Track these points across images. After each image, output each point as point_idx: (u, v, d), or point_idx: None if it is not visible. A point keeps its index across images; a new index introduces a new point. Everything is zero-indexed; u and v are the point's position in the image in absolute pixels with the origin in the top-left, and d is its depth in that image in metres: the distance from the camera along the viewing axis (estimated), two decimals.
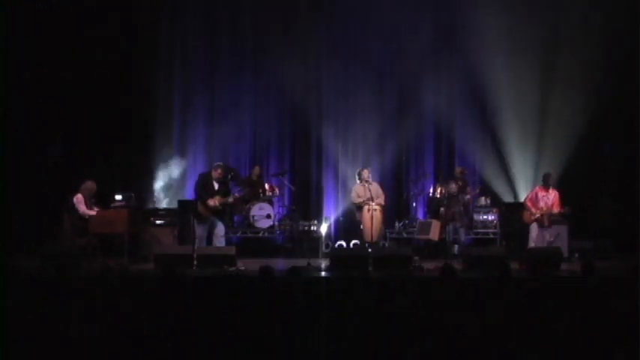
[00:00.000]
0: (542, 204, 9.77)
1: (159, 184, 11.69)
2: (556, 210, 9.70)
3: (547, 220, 9.73)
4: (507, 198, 11.53)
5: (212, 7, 11.88)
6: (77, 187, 9.53)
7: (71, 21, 11.12)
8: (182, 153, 11.89)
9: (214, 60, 11.94)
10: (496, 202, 11.21)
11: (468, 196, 10.35)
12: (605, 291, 5.35)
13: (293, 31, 11.75)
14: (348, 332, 4.73)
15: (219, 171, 9.62)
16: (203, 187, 9.53)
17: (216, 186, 9.56)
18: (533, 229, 9.76)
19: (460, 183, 10.52)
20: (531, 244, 9.68)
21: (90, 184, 9.53)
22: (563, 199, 9.79)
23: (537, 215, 9.73)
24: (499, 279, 5.71)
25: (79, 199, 9.42)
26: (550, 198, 9.79)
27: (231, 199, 9.62)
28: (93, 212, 9.47)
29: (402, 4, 11.83)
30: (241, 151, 12.26)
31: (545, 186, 9.89)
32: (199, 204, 9.49)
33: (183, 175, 11.75)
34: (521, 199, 11.04)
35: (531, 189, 10.43)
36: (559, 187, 10.02)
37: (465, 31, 11.59)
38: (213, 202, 9.43)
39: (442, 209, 10.16)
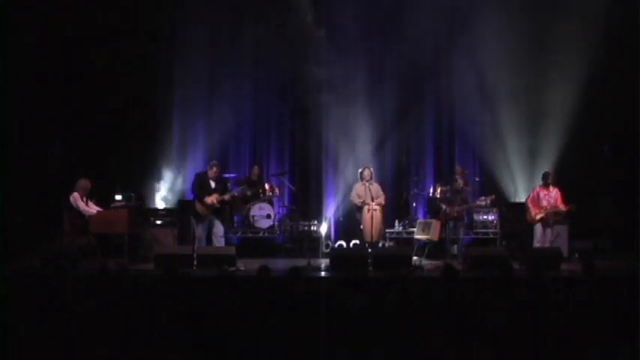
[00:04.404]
0: (545, 203, 9.72)
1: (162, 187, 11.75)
2: (562, 207, 9.65)
3: (552, 220, 9.70)
4: (507, 198, 11.52)
5: (212, 7, 11.87)
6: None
7: (71, 21, 11.12)
8: (182, 153, 11.90)
9: (214, 59, 11.92)
10: (496, 200, 11.19)
11: (477, 202, 10.27)
12: (605, 291, 5.34)
13: (293, 31, 11.74)
14: (347, 332, 4.72)
15: (214, 169, 9.65)
16: (200, 185, 9.55)
17: (212, 184, 9.59)
18: (538, 229, 9.71)
19: (461, 182, 10.50)
20: (536, 244, 9.66)
21: (83, 182, 9.53)
22: (564, 199, 9.77)
23: (542, 215, 9.69)
24: (502, 279, 5.70)
25: (75, 198, 9.42)
26: (552, 196, 9.76)
27: (227, 196, 9.62)
28: (93, 210, 9.48)
29: (402, 4, 11.83)
30: (241, 151, 12.27)
31: (545, 185, 9.85)
32: (197, 203, 9.51)
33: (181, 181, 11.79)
34: (522, 199, 11.04)
35: (531, 189, 10.41)
36: (559, 187, 10.00)
37: (466, 31, 11.58)
38: (211, 199, 9.45)
39: (444, 206, 10.12)
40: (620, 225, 10.53)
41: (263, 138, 12.29)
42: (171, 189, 11.80)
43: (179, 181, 11.81)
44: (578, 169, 11.10)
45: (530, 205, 9.82)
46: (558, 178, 10.32)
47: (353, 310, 4.91)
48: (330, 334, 4.71)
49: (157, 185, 11.73)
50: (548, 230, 9.72)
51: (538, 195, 9.81)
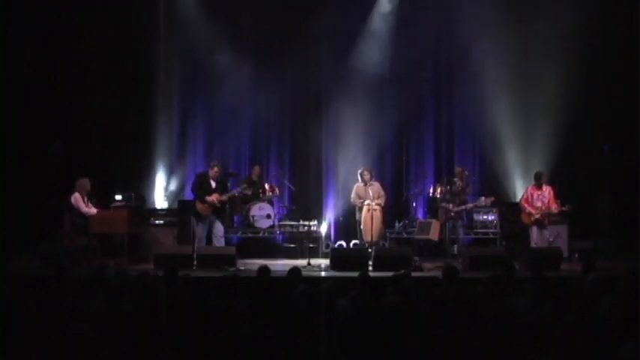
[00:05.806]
0: (539, 203, 9.70)
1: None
2: (556, 209, 9.64)
3: (547, 220, 9.69)
4: (507, 198, 11.51)
5: (213, 7, 11.87)
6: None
7: (72, 21, 11.13)
8: (182, 153, 11.90)
9: (214, 59, 11.92)
10: (496, 202, 11.18)
11: (471, 205, 10.26)
12: (605, 291, 5.34)
13: (293, 31, 11.74)
14: (347, 332, 4.72)
15: (215, 169, 9.69)
16: (200, 185, 9.58)
17: (213, 184, 9.62)
18: (534, 231, 9.71)
19: (461, 183, 10.50)
20: (533, 245, 9.65)
21: (83, 182, 9.55)
22: (564, 200, 9.77)
23: (537, 216, 9.67)
24: (502, 279, 5.70)
25: (76, 198, 9.44)
26: (546, 195, 9.74)
27: (224, 197, 9.63)
28: (93, 211, 9.48)
29: (402, 8, 11.82)
30: (241, 151, 12.27)
31: (538, 185, 9.82)
32: (197, 202, 9.53)
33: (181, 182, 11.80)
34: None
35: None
36: (559, 187, 9.99)
37: (465, 33, 11.58)
38: (212, 198, 9.47)
39: (444, 204, 10.09)
40: (620, 225, 10.53)
41: (263, 138, 12.29)
42: (170, 189, 11.80)
43: (178, 181, 11.82)
44: (578, 169, 11.10)
45: (524, 206, 9.79)
46: (558, 178, 10.33)
47: (352, 311, 4.90)
48: (330, 334, 4.71)
49: (157, 185, 11.74)
50: (545, 231, 9.71)
51: (532, 195, 9.79)
